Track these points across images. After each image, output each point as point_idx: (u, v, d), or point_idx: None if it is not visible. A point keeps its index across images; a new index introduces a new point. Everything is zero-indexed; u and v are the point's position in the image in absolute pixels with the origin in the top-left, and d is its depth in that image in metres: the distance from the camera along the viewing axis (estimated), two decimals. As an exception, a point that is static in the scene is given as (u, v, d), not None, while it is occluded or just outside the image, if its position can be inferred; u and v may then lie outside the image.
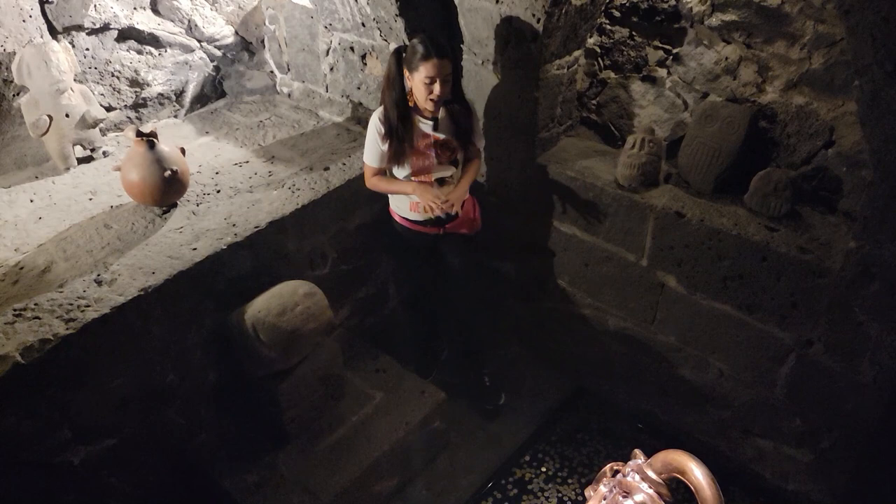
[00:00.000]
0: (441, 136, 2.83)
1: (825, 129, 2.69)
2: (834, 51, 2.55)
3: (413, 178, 2.88)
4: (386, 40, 3.16)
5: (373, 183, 2.95)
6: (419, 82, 2.64)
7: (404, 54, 2.68)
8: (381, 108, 2.82)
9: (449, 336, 3.65)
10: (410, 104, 2.77)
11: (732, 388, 3.02)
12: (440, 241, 3.06)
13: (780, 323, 2.72)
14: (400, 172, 2.88)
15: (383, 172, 2.92)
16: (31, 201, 3.01)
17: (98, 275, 2.57)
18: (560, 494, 3.14)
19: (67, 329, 2.33)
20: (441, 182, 2.91)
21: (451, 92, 2.74)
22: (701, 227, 2.77)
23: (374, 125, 2.80)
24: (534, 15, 2.71)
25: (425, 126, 2.81)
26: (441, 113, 2.81)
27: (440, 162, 2.87)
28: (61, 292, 2.48)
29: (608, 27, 3.11)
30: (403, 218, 3.02)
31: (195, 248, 2.71)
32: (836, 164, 2.70)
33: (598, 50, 3.18)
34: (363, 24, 3.20)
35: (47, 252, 2.71)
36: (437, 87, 2.63)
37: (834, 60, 2.56)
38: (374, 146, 2.84)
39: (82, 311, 2.40)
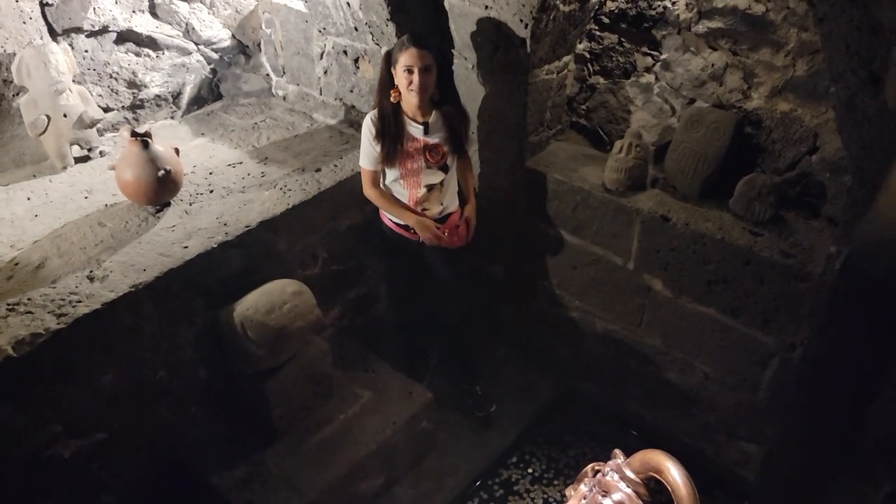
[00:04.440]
0: (430, 140, 2.86)
1: (809, 135, 2.72)
2: (817, 58, 2.59)
3: (402, 181, 2.91)
4: (378, 44, 3.20)
5: (372, 195, 2.97)
6: (400, 74, 2.69)
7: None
8: (374, 111, 2.86)
9: (441, 344, 3.67)
10: (394, 100, 2.78)
11: (717, 392, 3.05)
12: (425, 248, 3.06)
13: (764, 327, 2.75)
14: (390, 174, 2.92)
15: (378, 177, 2.96)
16: (28, 199, 3.06)
17: (91, 271, 2.61)
18: (546, 495, 3.17)
19: (59, 324, 2.36)
20: (430, 188, 2.93)
21: (438, 94, 2.79)
22: (686, 230, 2.81)
23: (367, 126, 2.85)
24: (521, 20, 2.75)
25: (415, 130, 2.84)
26: (433, 117, 2.84)
27: (429, 166, 2.89)
28: (54, 288, 2.52)
29: (598, 33, 3.15)
30: (392, 221, 3.05)
31: (186, 247, 2.75)
32: (819, 169, 2.73)
33: (588, 55, 3.22)
34: (356, 29, 3.24)
35: (42, 248, 2.75)
36: (415, 78, 2.66)
37: (817, 68, 2.60)
38: (367, 147, 2.87)
39: (74, 306, 2.44)
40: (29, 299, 2.47)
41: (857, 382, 1.79)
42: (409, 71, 2.66)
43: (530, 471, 3.28)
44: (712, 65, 2.87)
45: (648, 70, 3.08)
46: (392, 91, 2.77)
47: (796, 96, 2.71)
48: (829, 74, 2.02)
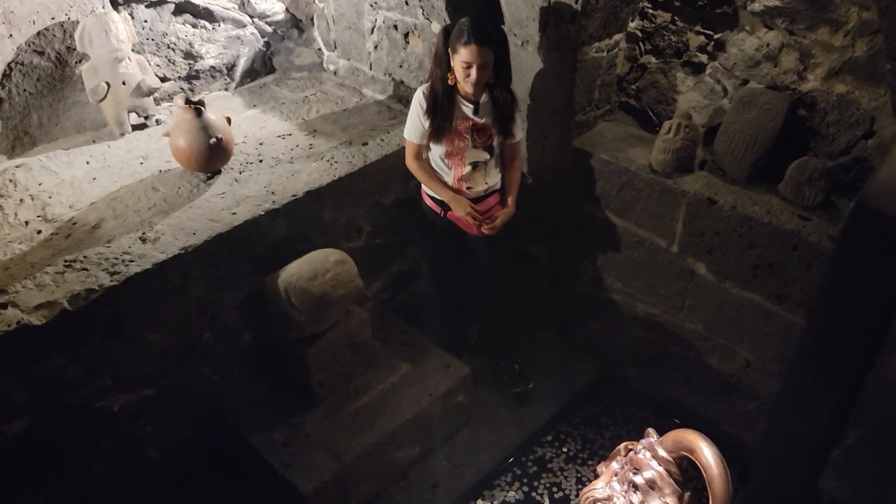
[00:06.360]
0: (480, 120, 2.86)
1: (866, 118, 2.63)
2: (878, 39, 2.49)
3: (447, 160, 2.93)
4: (428, 19, 3.22)
5: (414, 167, 3.00)
6: (458, 64, 2.70)
7: (451, 33, 2.71)
8: (426, 84, 2.87)
9: (480, 322, 3.69)
10: (451, 83, 2.79)
11: (759, 380, 2.99)
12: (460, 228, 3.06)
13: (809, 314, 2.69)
14: (436, 151, 2.93)
15: (422, 150, 2.98)
16: (88, 163, 3.19)
17: (143, 233, 2.71)
18: (579, 474, 3.17)
19: (112, 281, 2.48)
20: (475, 166, 2.94)
21: (493, 78, 2.77)
22: (732, 214, 2.75)
23: (418, 100, 2.86)
24: (572, -5, 2.73)
25: (466, 109, 2.85)
26: (483, 98, 2.84)
27: (475, 146, 2.89)
28: (108, 247, 2.63)
29: (650, 11, 3.10)
30: (433, 199, 3.06)
31: (235, 213, 2.83)
32: (875, 155, 2.64)
33: (640, 34, 3.17)
34: (406, 3, 3.27)
35: (99, 210, 2.87)
36: (473, 73, 2.67)
37: (877, 48, 2.50)
38: (415, 121, 2.88)
39: (126, 265, 2.55)
40: (85, 257, 2.58)
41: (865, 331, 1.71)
42: (469, 66, 2.66)
43: (565, 450, 3.28)
44: (767, 44, 2.80)
45: (701, 50, 3.02)
46: (449, 74, 2.77)
47: (854, 78, 2.62)
48: (885, 51, 1.94)
